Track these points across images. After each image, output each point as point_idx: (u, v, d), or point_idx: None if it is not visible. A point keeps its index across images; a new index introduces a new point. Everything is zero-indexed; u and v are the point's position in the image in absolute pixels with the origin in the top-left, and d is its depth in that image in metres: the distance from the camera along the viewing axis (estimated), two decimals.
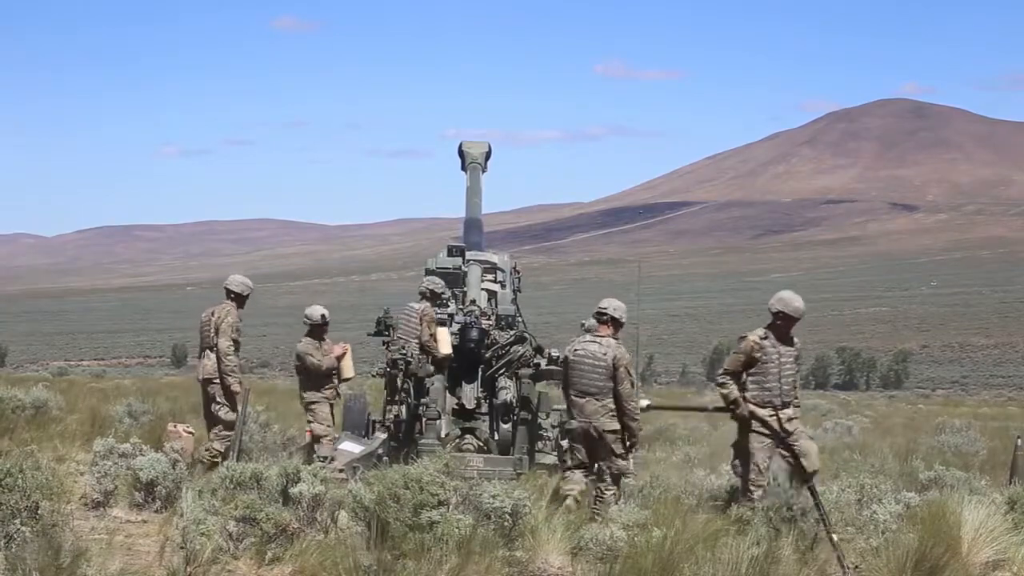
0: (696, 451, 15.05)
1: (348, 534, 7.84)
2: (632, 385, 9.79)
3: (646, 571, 7.03)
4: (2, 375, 37.15)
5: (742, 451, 9.41)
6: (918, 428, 25.31)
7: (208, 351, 11.69)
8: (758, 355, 9.32)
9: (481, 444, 12.26)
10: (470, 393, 12.77)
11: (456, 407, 12.68)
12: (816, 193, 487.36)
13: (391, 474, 8.01)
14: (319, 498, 8.18)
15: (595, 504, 9.52)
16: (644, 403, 10.32)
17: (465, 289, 14.54)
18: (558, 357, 12.51)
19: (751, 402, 9.32)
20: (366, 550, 7.20)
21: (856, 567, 7.86)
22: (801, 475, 9.02)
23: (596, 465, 9.79)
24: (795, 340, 9.55)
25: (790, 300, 9.45)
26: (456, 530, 7.49)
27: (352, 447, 12.17)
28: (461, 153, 17.58)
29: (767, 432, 9.26)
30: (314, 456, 11.41)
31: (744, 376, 9.38)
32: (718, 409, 9.78)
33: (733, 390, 9.35)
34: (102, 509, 9.27)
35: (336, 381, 12.48)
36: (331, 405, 12.43)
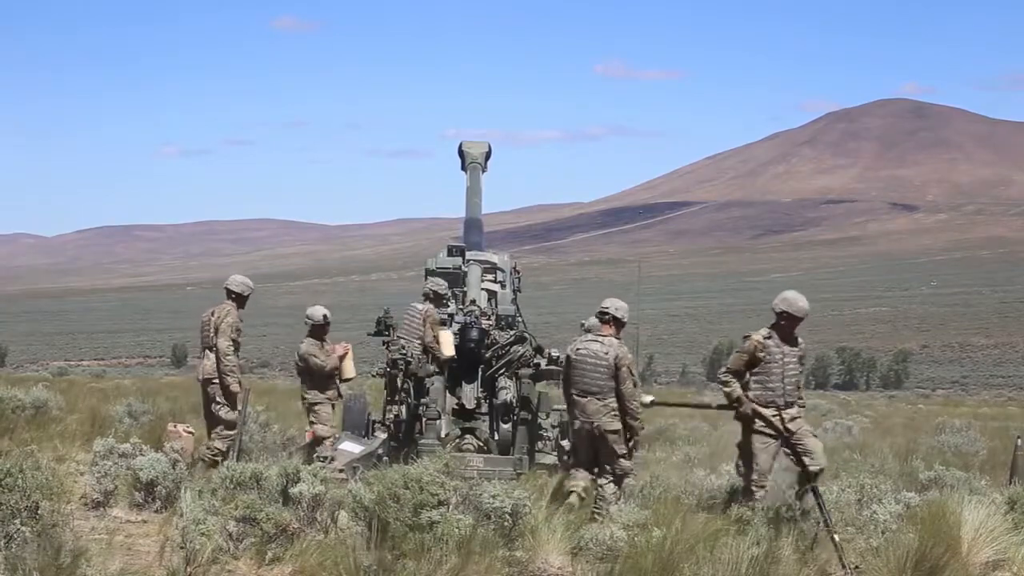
0: (696, 451, 15.04)
1: (348, 534, 7.84)
2: (634, 384, 9.80)
3: (646, 571, 7.03)
4: (2, 375, 37.15)
5: (745, 451, 9.40)
6: (918, 428, 25.30)
7: (208, 351, 11.69)
8: (761, 355, 9.31)
9: (481, 444, 12.26)
10: (470, 393, 12.77)
11: (456, 407, 12.68)
12: (816, 193, 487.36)
13: (391, 474, 8.01)
14: (319, 498, 8.18)
15: (596, 503, 9.53)
16: (648, 399, 10.32)
17: (465, 289, 14.54)
18: (558, 357, 12.51)
19: (754, 402, 9.32)
20: (366, 550, 7.20)
21: (856, 567, 7.85)
22: (805, 475, 9.01)
23: (597, 464, 9.80)
24: (799, 340, 9.54)
25: (794, 300, 9.44)
26: (456, 530, 7.49)
27: (352, 447, 12.17)
28: (461, 153, 17.57)
29: (770, 432, 9.25)
30: (314, 456, 11.40)
31: (747, 376, 9.38)
32: (722, 407, 9.77)
33: (736, 388, 9.34)
34: (102, 509, 9.27)
35: (338, 381, 12.49)
36: (333, 406, 12.44)
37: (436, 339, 12.67)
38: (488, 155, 17.67)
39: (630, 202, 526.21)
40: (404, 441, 12.11)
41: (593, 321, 11.32)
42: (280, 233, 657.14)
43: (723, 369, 9.64)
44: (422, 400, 12.18)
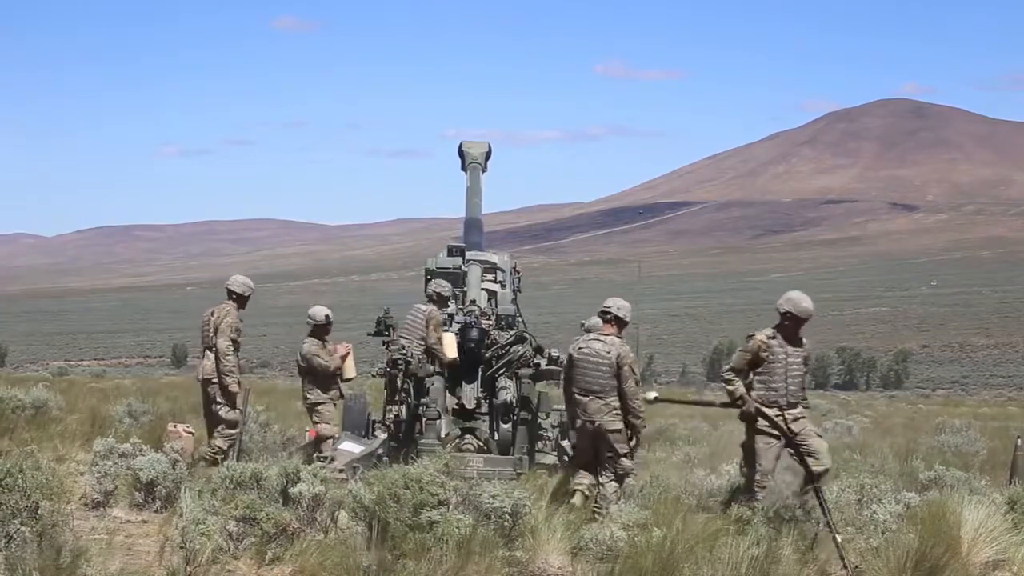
0: (696, 451, 15.04)
1: (348, 534, 7.84)
2: (636, 383, 9.82)
3: (646, 571, 7.03)
4: (2, 375, 37.15)
5: (749, 451, 9.40)
6: (918, 428, 25.30)
7: (208, 351, 11.70)
8: (765, 355, 9.31)
9: (481, 444, 12.25)
10: (470, 393, 12.76)
11: (456, 407, 12.67)
12: (816, 193, 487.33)
13: (391, 474, 8.01)
14: (319, 498, 8.18)
15: (596, 501, 9.54)
16: (652, 395, 10.33)
17: (465, 289, 14.52)
18: (558, 357, 12.52)
19: (757, 402, 9.31)
20: (366, 550, 7.20)
21: (856, 567, 7.86)
22: (809, 476, 9.01)
23: (598, 463, 9.81)
24: (804, 341, 9.52)
25: (798, 301, 9.44)
26: (456, 530, 7.49)
27: (352, 447, 12.16)
28: (461, 153, 17.56)
29: (774, 432, 9.25)
30: (315, 456, 11.40)
31: (751, 375, 9.38)
32: (725, 405, 9.77)
33: (739, 387, 9.34)
34: (102, 509, 9.26)
35: (339, 381, 12.49)
36: (335, 405, 12.44)
37: (440, 341, 12.65)
38: (488, 155, 17.66)
39: (630, 202, 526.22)
40: (404, 441, 12.10)
41: (593, 321, 11.33)
42: (280, 233, 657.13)
43: (726, 367, 9.63)
44: (422, 400, 12.17)
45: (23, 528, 6.79)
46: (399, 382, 12.37)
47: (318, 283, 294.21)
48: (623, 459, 9.69)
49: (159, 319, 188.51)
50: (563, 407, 10.92)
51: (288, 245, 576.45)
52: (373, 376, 16.63)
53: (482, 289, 14.59)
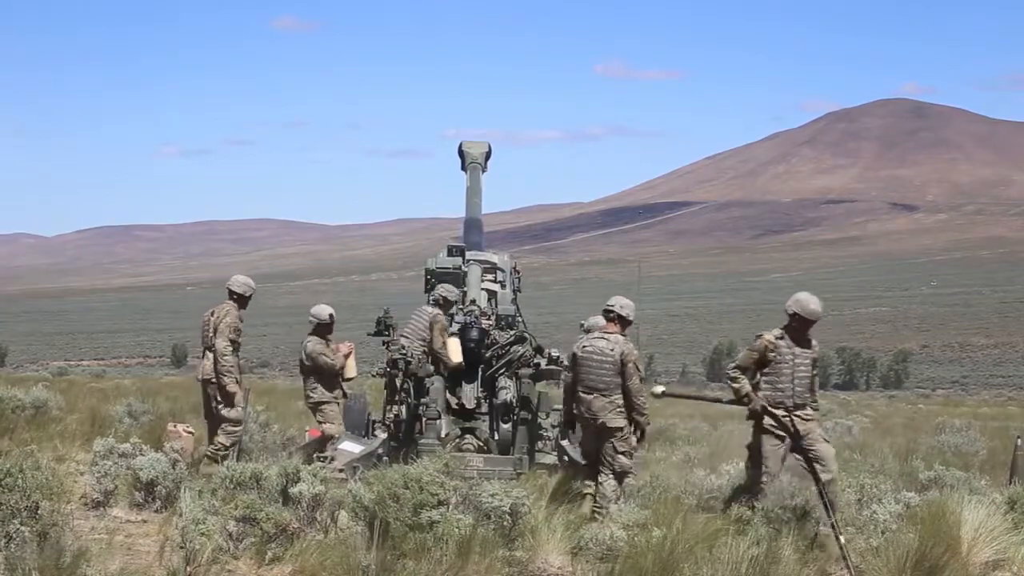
0: (696, 451, 15.04)
1: (348, 534, 7.84)
2: (641, 380, 9.85)
3: (646, 571, 7.03)
4: (2, 375, 37.15)
5: (755, 452, 9.40)
6: (918, 428, 25.30)
7: (208, 351, 11.69)
8: (772, 355, 9.30)
9: (481, 444, 12.24)
10: (470, 393, 12.75)
11: (456, 407, 12.67)
12: (816, 193, 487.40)
13: (391, 474, 8.01)
14: (319, 498, 8.18)
15: (596, 500, 9.56)
16: (659, 389, 10.33)
17: (465, 289, 14.51)
18: (558, 357, 12.52)
19: (764, 401, 9.31)
20: (366, 550, 7.20)
21: (856, 567, 7.85)
22: (816, 482, 9.00)
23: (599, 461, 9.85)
24: (813, 343, 9.49)
25: (805, 302, 9.42)
26: (456, 530, 7.49)
27: (352, 447, 12.15)
28: (461, 153, 17.54)
29: (780, 433, 9.24)
30: (315, 456, 11.38)
31: (758, 376, 9.38)
32: (732, 402, 9.76)
33: (744, 385, 9.34)
34: (102, 509, 9.27)
35: (341, 381, 12.49)
36: (338, 404, 12.43)
37: (445, 346, 12.62)
38: (488, 155, 17.64)
39: (630, 202, 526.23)
40: (404, 441, 12.09)
41: (593, 321, 11.33)
42: (280, 233, 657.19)
43: (732, 365, 9.63)
44: (422, 400, 12.16)
45: (23, 528, 6.79)
46: (399, 382, 12.36)
47: (318, 283, 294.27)
48: (620, 456, 9.70)
49: (159, 319, 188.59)
50: (564, 407, 10.90)
51: (288, 245, 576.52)
52: (373, 376, 16.63)
53: (482, 289, 14.58)
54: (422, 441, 11.73)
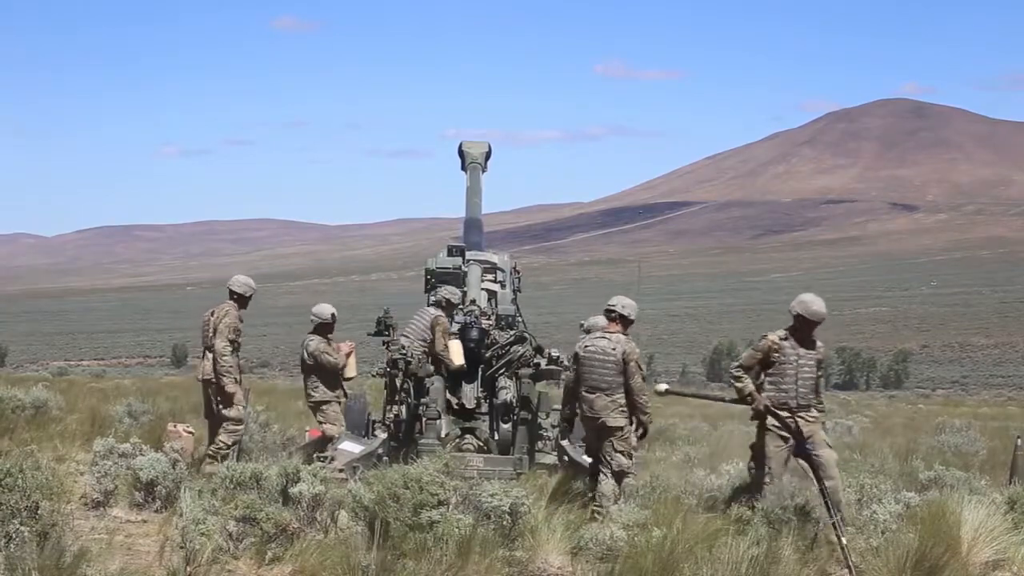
0: (696, 451, 15.04)
1: (348, 534, 7.84)
2: (643, 379, 9.89)
3: (646, 571, 7.03)
4: (2, 375, 37.13)
5: (759, 453, 9.40)
6: (918, 428, 25.31)
7: (208, 351, 11.69)
8: (776, 356, 9.31)
9: (481, 444, 12.24)
10: (470, 393, 12.74)
11: (456, 407, 12.66)
12: (816, 193, 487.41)
13: (391, 474, 8.01)
14: (319, 498, 8.18)
15: (595, 499, 9.57)
16: (663, 387, 10.34)
17: (465, 289, 14.51)
18: (558, 357, 12.52)
19: (768, 402, 9.31)
20: (366, 550, 7.20)
21: (857, 567, 7.85)
22: (818, 480, 9.00)
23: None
24: (818, 344, 9.48)
25: (809, 303, 9.41)
26: (456, 530, 7.49)
27: (352, 447, 12.15)
28: (461, 153, 17.54)
29: (784, 435, 9.24)
30: (315, 456, 11.38)
31: (762, 376, 9.38)
32: (735, 401, 9.77)
33: (748, 384, 9.35)
34: (102, 509, 9.26)
35: (342, 380, 12.49)
36: (339, 404, 12.43)
37: (447, 348, 12.61)
38: (488, 155, 17.64)
39: (630, 202, 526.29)
40: (404, 441, 12.08)
41: (592, 321, 11.32)
42: (280, 233, 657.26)
43: (735, 364, 9.64)
44: (422, 400, 12.15)
45: (23, 528, 6.79)
46: (399, 382, 12.35)
47: (318, 283, 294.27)
48: (619, 455, 9.71)
49: (159, 319, 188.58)
50: (563, 407, 10.90)
51: (288, 245, 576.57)
52: (373, 376, 16.61)
53: (482, 289, 14.58)
54: (422, 441, 11.72)
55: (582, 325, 11.72)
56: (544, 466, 11.93)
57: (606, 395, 9.77)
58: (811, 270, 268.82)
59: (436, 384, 12.33)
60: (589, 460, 10.25)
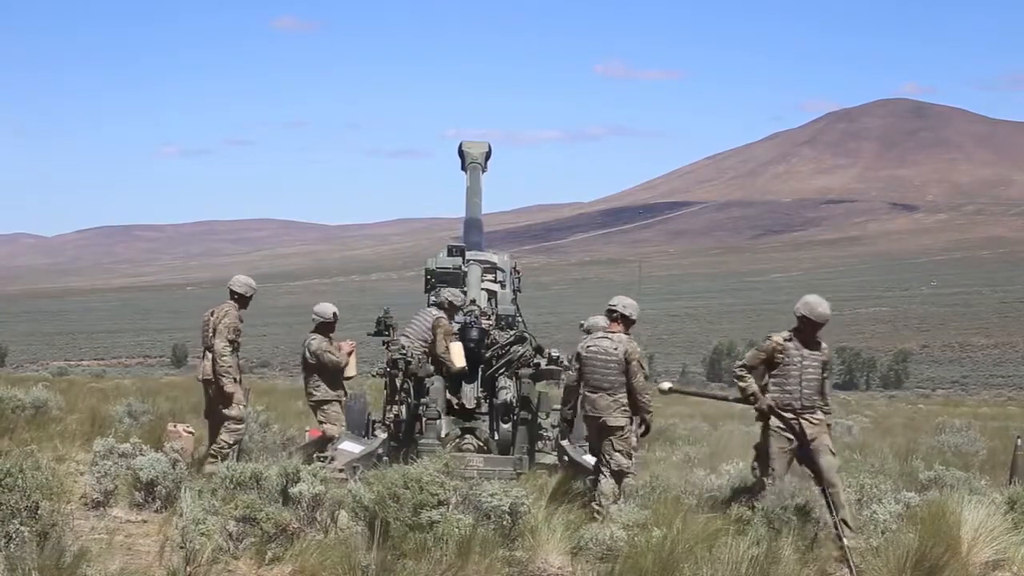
0: (696, 451, 15.04)
1: (348, 534, 7.84)
2: (645, 378, 9.91)
3: (646, 571, 7.03)
4: (2, 375, 37.14)
5: (763, 454, 9.39)
6: (918, 428, 25.31)
7: (208, 351, 11.69)
8: (780, 357, 9.31)
9: (481, 444, 12.24)
10: (470, 393, 12.74)
11: (456, 407, 12.66)
12: (816, 193, 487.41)
13: (391, 474, 8.01)
14: (319, 498, 8.18)
15: (595, 499, 9.58)
16: (666, 385, 10.35)
17: (465, 289, 14.51)
18: (558, 357, 12.52)
19: (771, 403, 9.31)
20: (366, 550, 7.20)
21: (856, 567, 7.85)
22: (822, 491, 8.99)
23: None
24: (823, 345, 9.47)
25: (814, 305, 9.40)
26: (456, 530, 7.50)
27: (352, 447, 12.15)
28: (461, 153, 17.53)
29: (788, 435, 9.24)
30: (315, 456, 11.37)
31: (767, 377, 9.38)
32: (738, 400, 9.78)
33: (751, 384, 9.35)
34: (102, 509, 9.26)
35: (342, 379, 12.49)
36: (340, 404, 12.42)
37: (448, 350, 12.60)
38: (488, 155, 17.63)
39: (630, 202, 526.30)
40: (404, 441, 12.08)
41: (592, 321, 11.32)
42: (280, 233, 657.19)
43: (738, 363, 9.65)
44: (422, 400, 12.15)
45: (23, 528, 6.79)
46: (399, 382, 12.35)
47: (318, 283, 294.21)
48: (617, 455, 9.72)
49: (159, 319, 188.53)
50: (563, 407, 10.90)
51: (288, 245, 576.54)
52: (373, 376, 16.62)
53: (482, 289, 14.58)
54: (422, 441, 11.71)
55: (582, 325, 11.72)
56: (544, 466, 11.93)
57: (608, 395, 9.79)
58: (811, 270, 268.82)
59: (436, 384, 12.33)
60: (593, 460, 10.25)
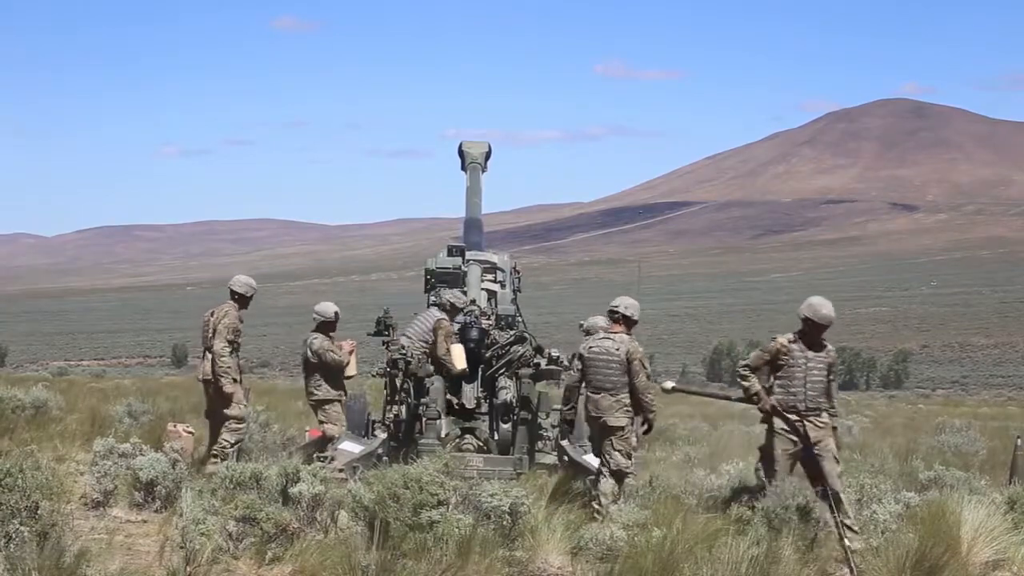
0: (696, 451, 15.05)
1: (348, 534, 7.84)
2: (648, 377, 9.93)
3: (646, 571, 7.03)
4: (2, 375, 37.13)
5: (767, 456, 9.39)
6: (918, 428, 25.32)
7: (208, 351, 11.69)
8: (784, 359, 9.31)
9: (481, 444, 12.23)
10: (470, 393, 12.73)
11: (456, 407, 12.65)
12: (816, 193, 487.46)
13: (391, 474, 8.01)
14: (319, 498, 8.18)
15: (594, 498, 9.58)
16: (669, 384, 10.36)
17: (465, 289, 14.50)
18: (558, 357, 12.52)
19: (776, 404, 9.31)
20: (366, 550, 7.20)
21: (857, 567, 7.85)
22: (822, 483, 9.00)
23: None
24: (828, 347, 9.46)
25: (818, 307, 9.39)
26: (456, 530, 7.50)
27: (352, 447, 12.15)
28: (461, 153, 17.53)
29: (792, 437, 9.23)
30: (315, 456, 11.37)
31: (771, 379, 9.38)
32: (741, 400, 9.78)
33: (755, 384, 9.36)
34: (102, 509, 9.26)
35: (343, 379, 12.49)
36: (341, 403, 12.42)
37: (449, 352, 12.60)
38: (488, 155, 17.62)
39: (630, 202, 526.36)
40: (404, 441, 12.08)
41: (592, 321, 11.32)
42: (280, 233, 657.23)
43: (742, 363, 9.66)
44: (422, 400, 12.15)
45: (23, 528, 6.79)
46: (399, 382, 12.35)
47: (318, 283, 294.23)
48: (617, 455, 9.73)
49: (159, 319, 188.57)
50: (563, 407, 10.90)
51: (288, 245, 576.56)
52: (373, 376, 16.61)
53: (482, 289, 14.57)
54: (422, 441, 11.71)
55: (581, 325, 11.72)
56: (544, 466, 11.93)
57: (611, 395, 9.81)
58: (811, 270, 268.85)
59: (436, 384, 12.32)
60: (595, 461, 10.26)
